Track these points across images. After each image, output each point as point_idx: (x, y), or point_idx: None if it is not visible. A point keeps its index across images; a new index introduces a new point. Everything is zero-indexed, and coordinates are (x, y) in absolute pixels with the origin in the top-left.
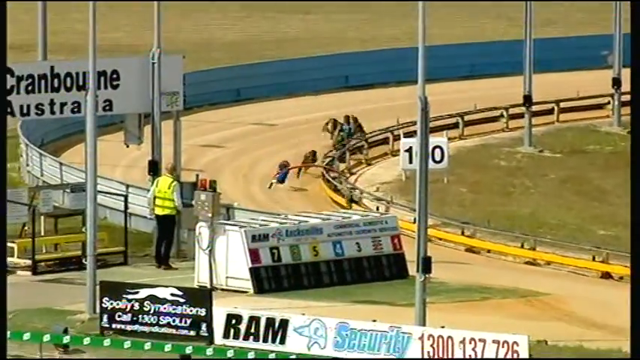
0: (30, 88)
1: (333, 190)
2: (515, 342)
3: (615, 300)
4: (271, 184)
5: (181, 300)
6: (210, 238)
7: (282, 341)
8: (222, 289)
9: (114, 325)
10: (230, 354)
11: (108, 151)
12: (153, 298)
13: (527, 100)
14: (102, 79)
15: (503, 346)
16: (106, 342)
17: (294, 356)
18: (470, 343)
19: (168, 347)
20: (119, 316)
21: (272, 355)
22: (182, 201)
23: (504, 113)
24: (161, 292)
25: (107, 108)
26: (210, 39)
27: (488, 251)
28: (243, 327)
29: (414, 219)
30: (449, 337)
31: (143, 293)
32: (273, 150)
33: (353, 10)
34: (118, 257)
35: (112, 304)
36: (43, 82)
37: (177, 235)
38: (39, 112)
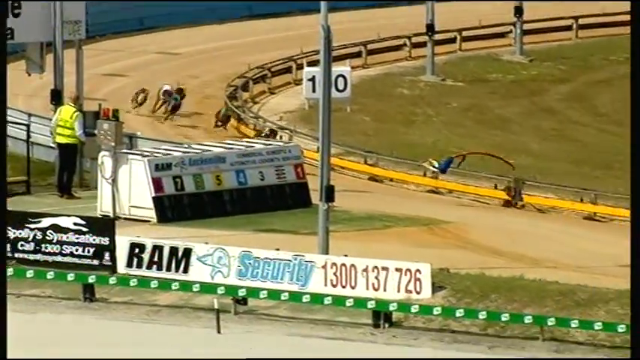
0: None
1: (237, 120)
2: (417, 270)
3: (516, 227)
4: (433, 173)
5: (84, 229)
6: (113, 168)
7: (186, 270)
8: (126, 218)
9: (16, 255)
10: (133, 283)
11: (9, 80)
12: (56, 228)
13: (430, 28)
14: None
15: (405, 274)
16: (9, 271)
17: (197, 285)
18: (372, 271)
19: (71, 276)
20: (22, 246)
21: (175, 284)
22: (85, 130)
23: (407, 42)
24: (64, 222)
25: (8, 36)
26: None
27: (391, 180)
28: (146, 256)
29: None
30: (352, 265)
31: (46, 222)
32: (177, 79)
33: None
34: (20, 186)
35: (14, 233)
36: None
37: (80, 164)
38: None
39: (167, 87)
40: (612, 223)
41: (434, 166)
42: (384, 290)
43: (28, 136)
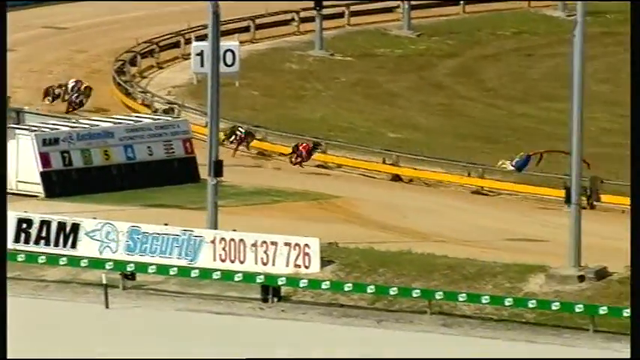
0: None
1: (125, 94)
2: (306, 244)
3: (404, 202)
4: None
5: None
6: None
7: (74, 245)
8: (13, 194)
9: None
10: (20, 258)
11: None
12: None
13: (318, 3)
14: None
15: (294, 249)
16: None
17: (85, 260)
18: (261, 245)
19: None
20: None
21: (63, 260)
22: None
23: (295, 17)
24: None
25: None
26: None
27: (280, 154)
28: (33, 231)
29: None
30: (240, 240)
31: None
32: (65, 54)
33: None
34: None
35: None
36: None
37: None
38: None
39: (73, 82)
40: (499, 197)
41: (511, 165)
42: (273, 265)
43: None
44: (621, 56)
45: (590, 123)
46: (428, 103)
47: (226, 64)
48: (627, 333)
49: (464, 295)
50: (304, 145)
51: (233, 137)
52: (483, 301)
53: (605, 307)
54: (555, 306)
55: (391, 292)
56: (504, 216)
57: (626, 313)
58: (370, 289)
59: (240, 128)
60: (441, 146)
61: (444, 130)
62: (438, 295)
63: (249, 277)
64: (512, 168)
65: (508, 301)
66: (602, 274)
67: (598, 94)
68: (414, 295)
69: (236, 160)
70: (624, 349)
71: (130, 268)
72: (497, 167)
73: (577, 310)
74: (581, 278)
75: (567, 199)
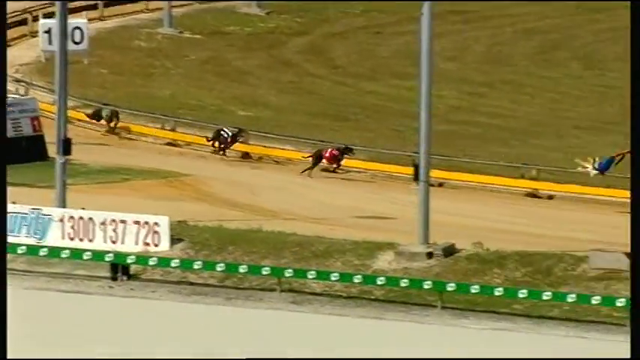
0: None
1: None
2: (155, 222)
3: (254, 180)
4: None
5: None
6: None
7: None
8: None
9: None
10: None
11: None
12: None
13: None
14: None
15: (144, 227)
16: None
17: None
18: (111, 224)
19: None
20: None
21: None
22: None
23: None
24: None
25: None
26: None
27: (129, 132)
28: None
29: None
30: (90, 218)
31: None
32: None
33: None
34: None
35: None
36: None
37: None
38: None
39: None
40: (348, 175)
41: (594, 168)
42: (122, 243)
43: None
44: (467, 34)
45: (438, 101)
46: (278, 81)
47: (75, 42)
48: (475, 309)
49: (313, 272)
50: (330, 151)
51: (217, 139)
52: (332, 279)
53: (453, 284)
54: (404, 283)
55: (241, 270)
56: (353, 194)
57: (474, 289)
58: (220, 267)
59: (225, 130)
60: (291, 124)
61: (293, 107)
62: (288, 273)
63: (98, 255)
64: (596, 171)
65: (357, 279)
66: (450, 250)
67: (445, 71)
68: (264, 272)
69: (83, 138)
70: (472, 325)
71: None
72: (579, 170)
73: (425, 286)
74: (430, 255)
75: (416, 177)
